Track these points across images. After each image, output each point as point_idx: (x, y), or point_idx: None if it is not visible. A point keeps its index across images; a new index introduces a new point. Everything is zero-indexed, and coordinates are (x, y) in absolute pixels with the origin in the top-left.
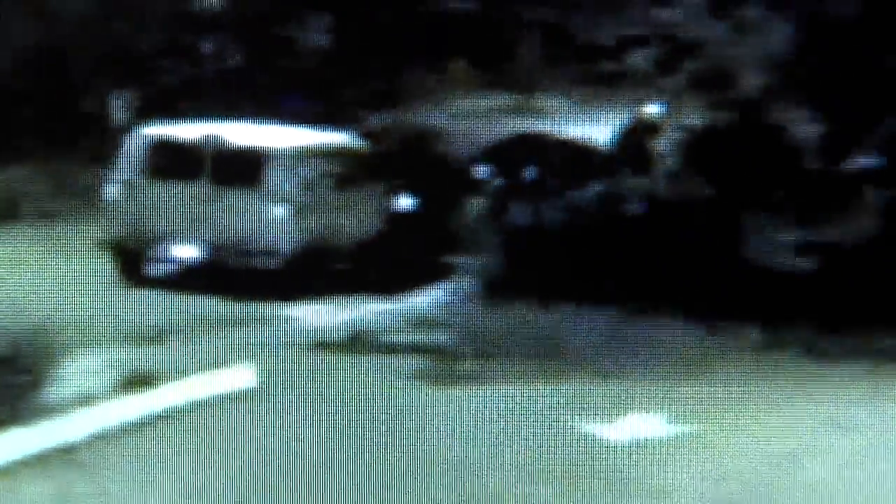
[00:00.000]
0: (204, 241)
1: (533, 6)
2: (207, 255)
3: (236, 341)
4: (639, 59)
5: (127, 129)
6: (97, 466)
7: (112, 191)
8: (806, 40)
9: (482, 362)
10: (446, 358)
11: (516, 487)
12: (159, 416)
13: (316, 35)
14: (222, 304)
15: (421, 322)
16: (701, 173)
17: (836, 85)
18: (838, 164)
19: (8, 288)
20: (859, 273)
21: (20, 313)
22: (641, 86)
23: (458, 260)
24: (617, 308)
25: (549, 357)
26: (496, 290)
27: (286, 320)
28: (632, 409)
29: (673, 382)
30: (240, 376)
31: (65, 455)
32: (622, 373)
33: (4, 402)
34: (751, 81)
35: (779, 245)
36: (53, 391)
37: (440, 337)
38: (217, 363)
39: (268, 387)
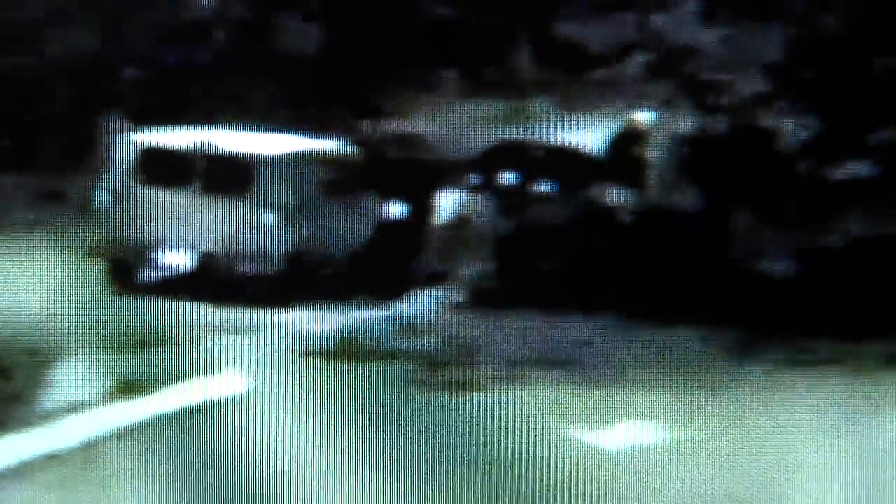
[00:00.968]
0: (194, 247)
1: (522, 13)
2: (197, 262)
3: (226, 348)
4: (630, 66)
5: (116, 136)
6: (87, 473)
7: (101, 198)
8: (795, 47)
9: (470, 369)
10: (434, 365)
11: (504, 494)
12: (149, 423)
13: (305, 42)
14: (211, 310)
15: (410, 329)
16: (690, 180)
17: (825, 91)
18: (828, 170)
19: None
20: (852, 278)
21: (9, 321)
22: (632, 93)
23: (448, 267)
24: (606, 315)
25: (536, 364)
26: (485, 297)
27: (276, 326)
28: (620, 416)
29: (664, 390)
30: (230, 383)
31: (54, 462)
32: (611, 380)
33: None
34: (740, 88)
35: (769, 251)
36: (42, 398)
37: (429, 344)
38: (206, 370)
39: (258, 393)
